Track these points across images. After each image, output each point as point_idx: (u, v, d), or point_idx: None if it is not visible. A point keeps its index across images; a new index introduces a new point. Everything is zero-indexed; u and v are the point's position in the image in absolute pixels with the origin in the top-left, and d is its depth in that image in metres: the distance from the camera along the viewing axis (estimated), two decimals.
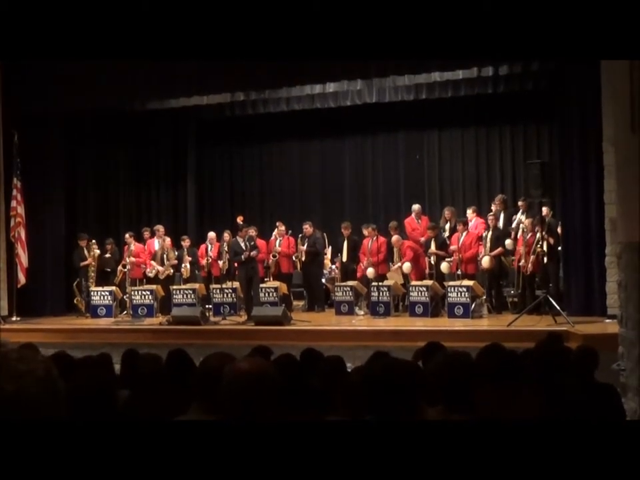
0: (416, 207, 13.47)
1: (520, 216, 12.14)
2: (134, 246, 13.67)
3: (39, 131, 13.79)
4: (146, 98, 13.40)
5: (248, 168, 16.11)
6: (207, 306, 12.77)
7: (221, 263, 13.17)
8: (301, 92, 13.46)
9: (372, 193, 15.31)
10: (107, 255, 13.80)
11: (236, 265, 12.71)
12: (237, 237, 12.37)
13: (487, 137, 14.45)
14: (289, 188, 15.92)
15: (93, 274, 13.56)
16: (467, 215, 12.82)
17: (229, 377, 2.40)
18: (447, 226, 13.01)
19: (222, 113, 14.49)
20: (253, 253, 12.16)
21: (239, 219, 12.67)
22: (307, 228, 13.47)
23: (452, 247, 12.17)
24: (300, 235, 13.48)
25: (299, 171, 15.87)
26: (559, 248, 11.59)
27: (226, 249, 12.78)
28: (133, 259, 13.54)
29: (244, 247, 12.15)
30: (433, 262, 12.50)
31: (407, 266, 12.45)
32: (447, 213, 13.17)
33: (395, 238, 12.85)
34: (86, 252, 13.71)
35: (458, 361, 3.06)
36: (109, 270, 13.74)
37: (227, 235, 13.26)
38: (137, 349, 4.99)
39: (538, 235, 11.24)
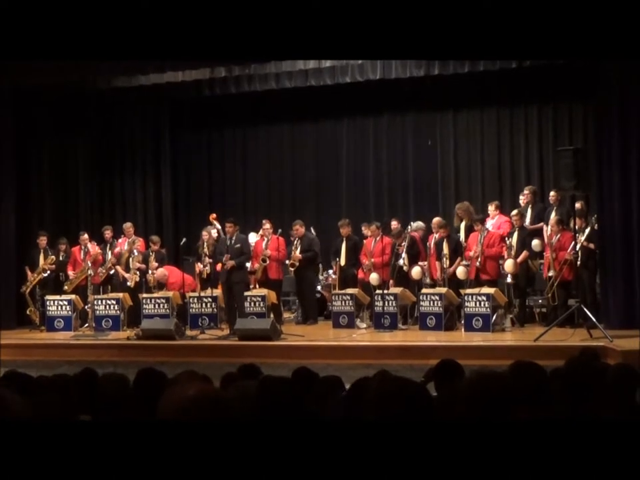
0: None
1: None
2: (96, 248, 13.67)
3: None
4: (110, 74, 13.38)
5: (229, 156, 16.10)
6: (174, 315, 12.72)
7: (199, 266, 13.19)
8: (292, 67, 13.45)
9: (374, 185, 15.31)
10: (61, 258, 13.83)
11: (218, 268, 12.72)
12: (226, 234, 12.41)
13: (511, 118, 14.46)
14: (278, 179, 15.91)
15: (36, 280, 13.63)
16: (489, 212, 12.82)
17: (164, 407, 2.25)
18: (462, 225, 12.99)
19: (199, 92, 14.47)
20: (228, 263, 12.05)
21: (212, 217, 12.60)
22: (298, 229, 13.37)
23: (470, 253, 12.12)
24: (296, 240, 13.33)
25: (290, 159, 15.87)
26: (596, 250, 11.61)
27: (206, 250, 12.80)
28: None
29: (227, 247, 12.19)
30: (446, 266, 12.49)
31: (416, 271, 12.45)
32: (459, 211, 13.12)
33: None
34: (42, 255, 13.72)
35: (493, 381, 2.93)
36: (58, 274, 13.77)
37: (205, 234, 13.24)
38: (100, 367, 5.01)
39: (572, 236, 11.24)
